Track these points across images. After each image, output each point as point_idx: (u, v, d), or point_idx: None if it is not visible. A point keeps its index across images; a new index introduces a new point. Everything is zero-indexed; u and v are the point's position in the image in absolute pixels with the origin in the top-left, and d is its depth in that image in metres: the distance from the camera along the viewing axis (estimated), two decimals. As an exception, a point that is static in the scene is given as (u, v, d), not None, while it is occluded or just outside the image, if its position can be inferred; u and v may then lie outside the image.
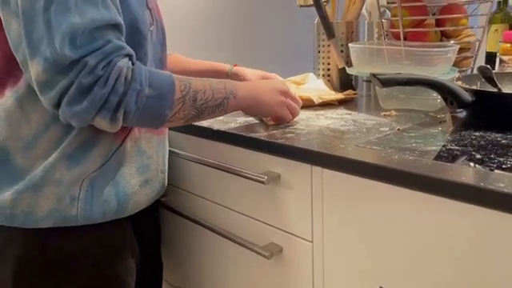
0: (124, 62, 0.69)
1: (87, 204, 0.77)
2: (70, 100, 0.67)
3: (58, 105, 0.69)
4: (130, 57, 0.72)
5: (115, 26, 0.70)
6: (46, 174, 0.75)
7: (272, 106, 0.88)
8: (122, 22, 0.72)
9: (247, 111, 0.91)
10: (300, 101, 0.96)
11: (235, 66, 1.09)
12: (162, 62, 0.90)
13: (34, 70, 0.68)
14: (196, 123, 0.94)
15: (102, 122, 0.70)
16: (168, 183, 1.06)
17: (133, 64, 0.72)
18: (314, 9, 1.18)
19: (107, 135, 0.77)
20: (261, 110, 0.90)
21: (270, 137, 0.84)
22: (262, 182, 0.81)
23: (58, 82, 0.67)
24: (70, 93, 0.67)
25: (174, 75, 0.77)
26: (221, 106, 0.81)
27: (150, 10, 0.82)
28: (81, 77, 0.66)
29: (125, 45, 0.71)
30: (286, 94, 0.90)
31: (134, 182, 0.83)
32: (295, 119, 0.94)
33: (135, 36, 0.78)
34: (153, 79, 0.73)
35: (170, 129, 1.03)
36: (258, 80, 1.06)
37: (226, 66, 1.10)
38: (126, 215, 0.83)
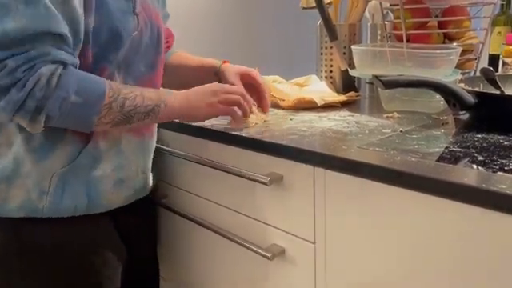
0: (49, 69, 0.71)
1: (56, 198, 0.82)
2: None
3: None
4: (62, 63, 0.73)
5: (57, 35, 0.72)
6: (17, 166, 0.80)
7: (204, 108, 0.87)
8: (66, 32, 0.73)
9: (184, 119, 0.91)
10: (237, 88, 0.91)
11: (225, 62, 1.08)
12: (153, 66, 0.92)
13: None
14: (198, 124, 0.95)
15: (21, 122, 0.74)
16: (170, 184, 1.07)
17: (65, 69, 0.74)
18: (316, 11, 1.18)
19: (71, 135, 0.81)
20: (195, 116, 0.89)
21: (272, 138, 0.84)
22: (265, 184, 0.81)
23: None
24: None
25: (107, 82, 0.79)
26: (151, 114, 0.83)
27: (137, 16, 0.84)
28: None
29: (54, 51, 0.72)
30: (216, 92, 0.88)
31: (108, 181, 0.86)
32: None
33: (115, 40, 0.81)
34: (82, 86, 0.75)
35: (171, 130, 1.03)
36: (233, 74, 1.04)
37: (218, 63, 1.08)
38: (99, 211, 0.87)
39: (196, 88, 0.90)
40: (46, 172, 0.81)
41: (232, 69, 1.05)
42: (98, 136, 0.84)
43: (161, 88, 0.91)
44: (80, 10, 0.75)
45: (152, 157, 0.98)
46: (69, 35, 0.74)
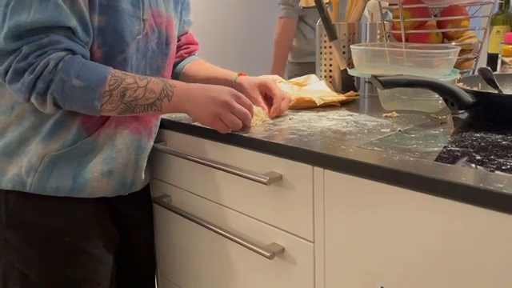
0: (58, 55, 0.79)
1: (43, 177, 0.87)
2: (10, 79, 0.80)
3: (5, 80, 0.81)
4: (71, 51, 0.81)
5: (68, 28, 0.80)
6: (21, 144, 0.87)
7: (203, 116, 0.87)
8: (77, 26, 0.81)
9: (190, 116, 0.91)
10: (245, 111, 0.88)
11: (240, 75, 1.08)
12: (159, 70, 0.96)
13: None
14: (197, 123, 0.95)
15: (35, 103, 0.81)
16: (170, 183, 1.07)
17: (72, 56, 0.80)
18: (316, 10, 1.18)
19: (78, 127, 0.88)
20: (196, 118, 0.90)
21: (272, 138, 0.84)
22: (264, 183, 0.82)
23: (3, 63, 0.80)
24: (9, 73, 0.80)
25: (112, 70, 0.83)
26: (153, 106, 0.86)
27: (144, 21, 0.90)
28: (15, 62, 0.78)
29: (65, 40, 0.80)
30: (226, 105, 0.86)
31: (95, 170, 0.90)
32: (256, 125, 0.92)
33: (118, 41, 0.87)
34: (84, 71, 0.81)
35: (171, 129, 1.04)
36: (251, 88, 1.04)
37: (233, 75, 1.08)
38: (83, 196, 0.91)
39: (206, 90, 0.87)
40: (41, 152, 0.86)
41: (250, 82, 1.05)
42: (101, 130, 0.90)
43: (172, 80, 0.90)
44: (86, 9, 0.81)
45: (147, 155, 1.00)
46: (79, 30, 0.81)
